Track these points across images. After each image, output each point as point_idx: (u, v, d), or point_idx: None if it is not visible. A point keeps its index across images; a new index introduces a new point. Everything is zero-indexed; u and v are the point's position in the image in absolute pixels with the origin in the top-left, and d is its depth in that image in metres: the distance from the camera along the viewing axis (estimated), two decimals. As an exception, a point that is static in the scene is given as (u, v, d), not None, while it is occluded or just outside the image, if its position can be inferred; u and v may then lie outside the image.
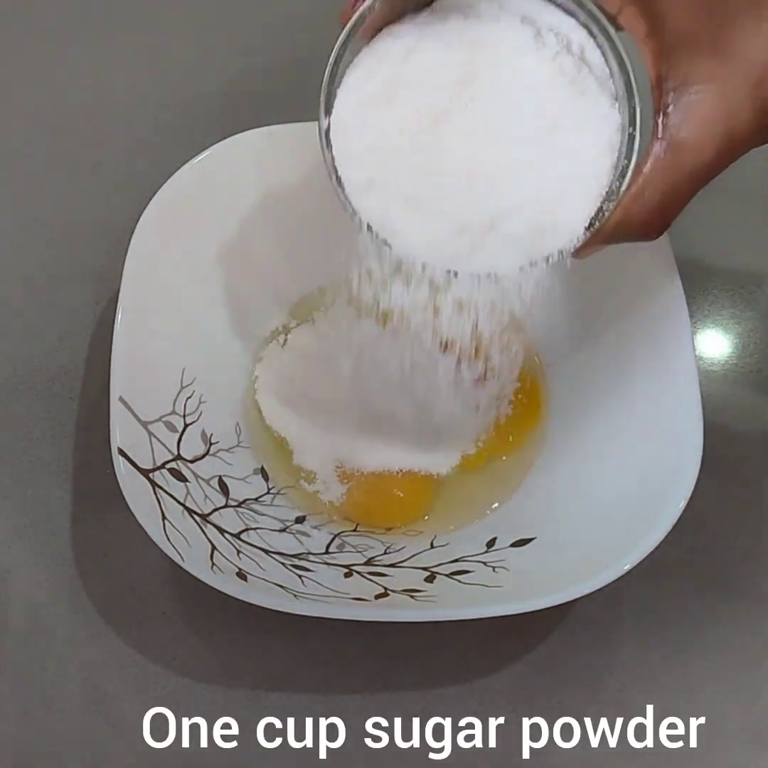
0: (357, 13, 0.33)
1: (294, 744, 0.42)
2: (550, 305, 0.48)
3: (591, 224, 0.34)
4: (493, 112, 0.33)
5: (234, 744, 0.42)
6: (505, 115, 0.34)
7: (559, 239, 0.34)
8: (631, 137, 0.33)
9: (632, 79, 0.33)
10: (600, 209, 0.34)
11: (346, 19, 0.33)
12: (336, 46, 0.33)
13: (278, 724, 0.42)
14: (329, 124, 0.34)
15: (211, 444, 0.44)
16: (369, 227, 0.35)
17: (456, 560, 0.42)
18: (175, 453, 0.42)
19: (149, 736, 0.42)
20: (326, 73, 0.34)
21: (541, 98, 0.33)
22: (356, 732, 0.42)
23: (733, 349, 0.51)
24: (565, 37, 0.34)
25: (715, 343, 0.51)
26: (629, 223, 0.33)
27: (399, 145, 0.34)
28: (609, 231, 0.34)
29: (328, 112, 0.34)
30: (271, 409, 0.47)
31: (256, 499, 0.44)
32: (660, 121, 0.32)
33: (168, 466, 0.41)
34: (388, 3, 0.33)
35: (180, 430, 0.43)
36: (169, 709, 0.42)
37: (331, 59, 0.33)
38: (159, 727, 0.42)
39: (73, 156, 0.56)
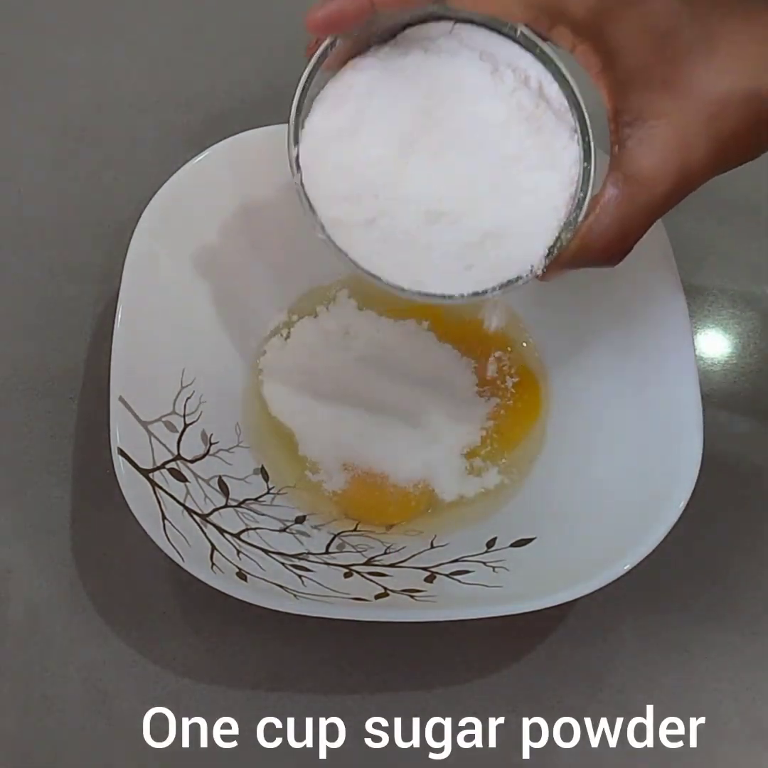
0: (320, 49, 0.34)
1: (294, 744, 0.42)
2: (550, 306, 0.48)
3: (549, 252, 0.35)
4: (453, 150, 0.34)
5: (234, 744, 0.42)
6: (465, 152, 0.34)
7: (518, 267, 0.35)
8: (587, 170, 0.34)
9: (586, 117, 0.34)
10: (558, 238, 0.35)
11: (311, 52, 0.34)
12: (302, 80, 0.35)
13: (278, 724, 0.42)
14: (298, 153, 0.35)
15: (211, 444, 0.44)
16: (334, 246, 0.36)
17: (456, 560, 0.42)
18: (175, 453, 0.42)
19: (149, 736, 0.42)
20: (293, 106, 0.35)
21: (499, 134, 0.34)
22: (356, 732, 0.42)
23: (733, 349, 0.51)
24: (523, 73, 0.35)
25: (715, 343, 0.51)
26: (588, 251, 0.34)
27: (365, 177, 0.35)
28: (568, 258, 0.35)
29: (297, 142, 0.35)
30: (276, 401, 0.47)
31: (256, 499, 0.44)
32: (616, 154, 0.33)
33: (168, 466, 0.41)
34: (351, 38, 0.34)
35: (180, 430, 0.43)
36: (169, 709, 0.42)
37: (297, 92, 0.35)
38: (159, 727, 0.42)
39: (73, 156, 0.56)
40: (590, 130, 0.34)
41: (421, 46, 0.35)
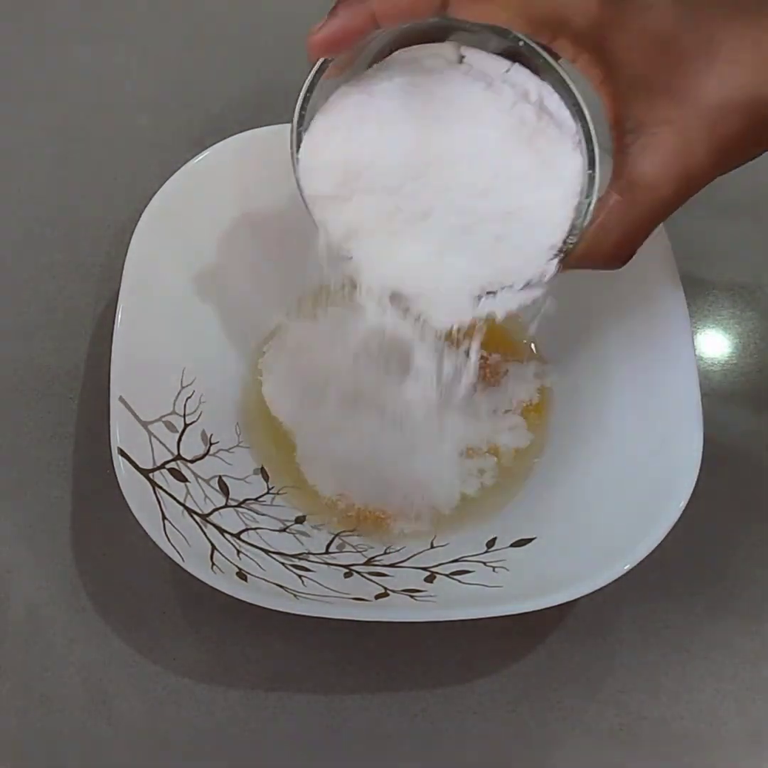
0: (318, 62, 0.34)
1: (294, 744, 0.42)
2: (550, 306, 0.48)
3: (555, 256, 0.35)
4: (457, 169, 0.35)
5: (234, 743, 0.42)
6: (470, 169, 0.35)
7: (524, 271, 0.36)
8: (591, 178, 0.35)
9: (590, 125, 0.34)
10: (565, 243, 0.35)
11: (313, 59, 0.34)
12: (302, 91, 0.35)
13: (278, 724, 0.42)
14: (300, 164, 0.36)
15: (211, 444, 0.44)
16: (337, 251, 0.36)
17: (456, 560, 0.42)
18: (175, 453, 0.42)
19: (149, 736, 0.42)
20: (295, 117, 0.35)
21: (499, 153, 0.35)
22: (356, 732, 0.42)
23: (733, 349, 0.51)
24: (521, 87, 0.35)
25: (715, 343, 0.51)
26: (592, 254, 0.35)
27: (370, 189, 0.35)
28: (573, 262, 0.35)
29: (298, 151, 0.36)
30: (276, 401, 0.47)
31: (256, 499, 0.44)
32: (619, 160, 0.33)
33: (168, 466, 0.41)
34: (350, 53, 0.34)
35: (180, 430, 0.43)
36: (169, 709, 0.42)
37: (298, 103, 0.35)
38: (159, 727, 0.42)
39: (73, 156, 0.56)
40: (595, 138, 0.34)
41: (411, 67, 0.35)
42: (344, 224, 0.36)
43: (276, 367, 0.48)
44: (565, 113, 0.35)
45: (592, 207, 0.34)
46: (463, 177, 0.35)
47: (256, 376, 0.48)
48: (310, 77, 0.35)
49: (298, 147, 0.36)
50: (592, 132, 0.34)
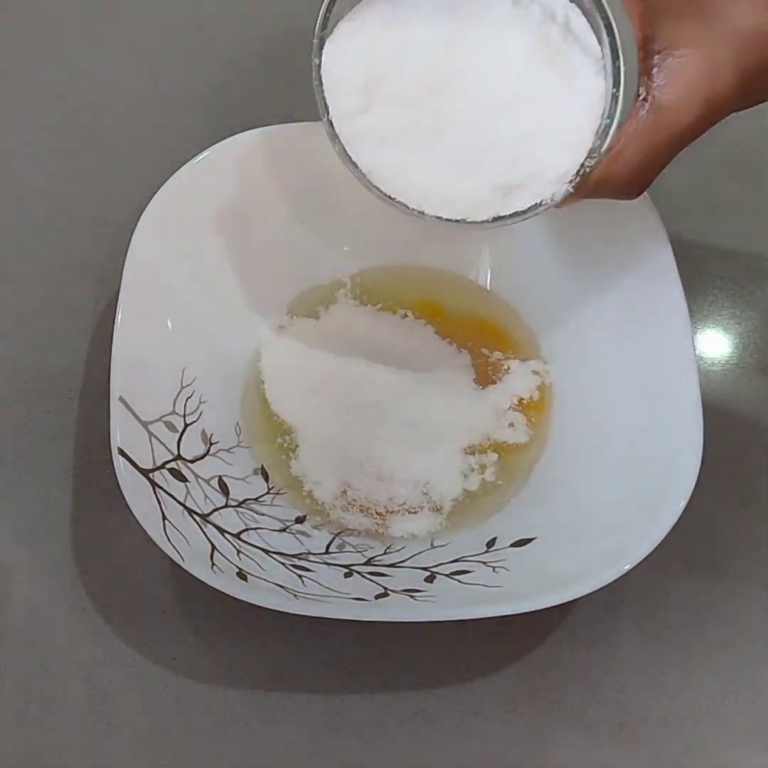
0: None
1: (294, 744, 0.42)
2: (550, 305, 0.48)
3: (572, 179, 0.35)
4: (479, 84, 0.35)
5: (233, 744, 0.42)
6: (492, 85, 0.35)
7: (541, 191, 0.36)
8: (615, 98, 0.34)
9: (618, 41, 0.34)
10: (582, 165, 0.35)
11: None
12: None
13: (278, 724, 0.42)
14: (321, 65, 0.35)
15: (211, 444, 0.44)
16: (360, 172, 0.37)
17: (456, 560, 0.42)
18: (175, 453, 0.42)
19: (149, 736, 0.42)
20: (319, 19, 0.35)
21: (523, 71, 0.35)
22: (356, 731, 0.42)
23: (733, 349, 0.51)
24: (549, 7, 0.35)
25: (715, 343, 0.51)
26: (609, 180, 0.34)
27: (390, 101, 0.35)
28: (590, 187, 0.35)
29: (320, 54, 0.35)
30: (276, 401, 0.47)
31: (256, 499, 0.44)
32: (644, 82, 0.33)
33: (168, 466, 0.41)
34: None
35: (180, 430, 0.43)
36: (169, 709, 0.42)
37: (324, 6, 0.34)
38: (159, 727, 0.42)
39: (73, 156, 0.56)
40: (622, 57, 0.34)
41: None
42: (360, 133, 0.36)
43: (276, 367, 0.48)
44: (590, 38, 0.35)
45: (613, 129, 0.34)
46: (483, 94, 0.35)
47: (257, 376, 0.48)
48: None
49: (321, 51, 0.35)
50: (620, 49, 0.34)
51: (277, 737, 0.42)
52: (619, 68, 0.34)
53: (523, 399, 0.48)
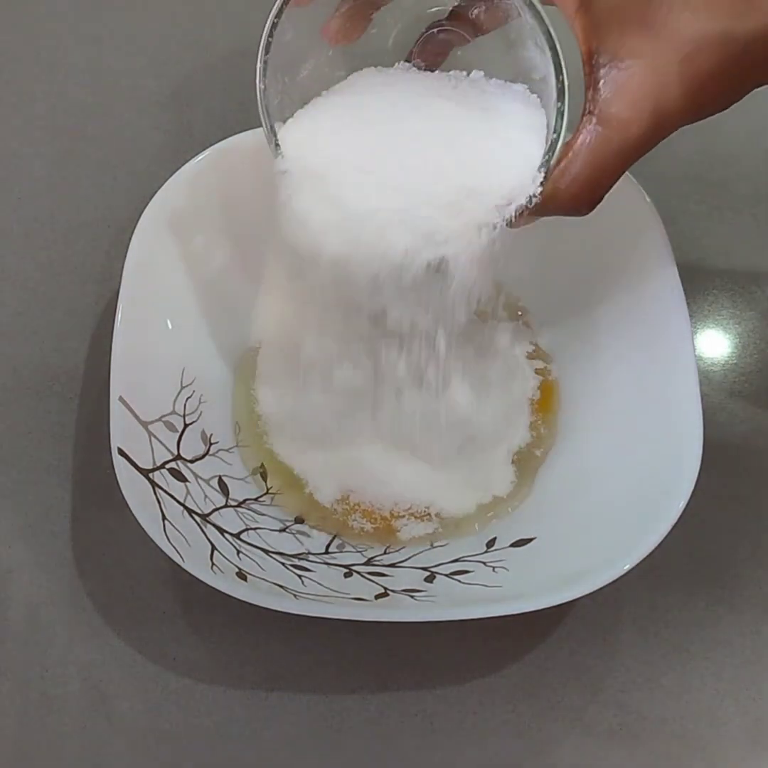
0: None
1: (294, 744, 0.42)
2: (550, 307, 0.48)
3: (529, 198, 0.34)
4: (423, 118, 0.36)
5: (234, 744, 0.42)
6: (437, 117, 0.36)
7: (489, 213, 0.35)
8: (560, 112, 0.34)
9: (560, 56, 0.33)
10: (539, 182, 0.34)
11: None
12: (271, 16, 0.35)
13: (278, 724, 0.42)
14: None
15: (211, 444, 0.44)
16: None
17: (456, 560, 0.42)
18: (175, 453, 0.42)
19: (149, 736, 0.42)
20: (262, 42, 0.35)
21: (465, 98, 0.36)
22: (356, 732, 0.42)
23: (733, 349, 0.51)
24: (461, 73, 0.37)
25: (715, 343, 0.51)
26: (558, 197, 0.33)
27: (342, 142, 0.36)
28: (540, 206, 0.34)
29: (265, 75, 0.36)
30: (270, 401, 0.47)
31: (255, 499, 0.44)
32: (590, 96, 0.32)
33: (168, 466, 0.41)
34: None
35: (180, 430, 0.43)
36: (169, 709, 0.42)
37: (266, 30, 0.35)
38: (159, 727, 0.42)
39: (73, 156, 0.56)
40: (565, 72, 0.33)
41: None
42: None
43: (275, 366, 0.48)
44: (516, 87, 0.36)
45: (560, 144, 0.33)
46: (415, 164, 0.35)
47: (257, 375, 0.48)
48: (278, 3, 0.35)
49: (265, 74, 0.36)
50: (562, 64, 0.33)
51: (277, 737, 0.42)
52: (562, 83, 0.33)
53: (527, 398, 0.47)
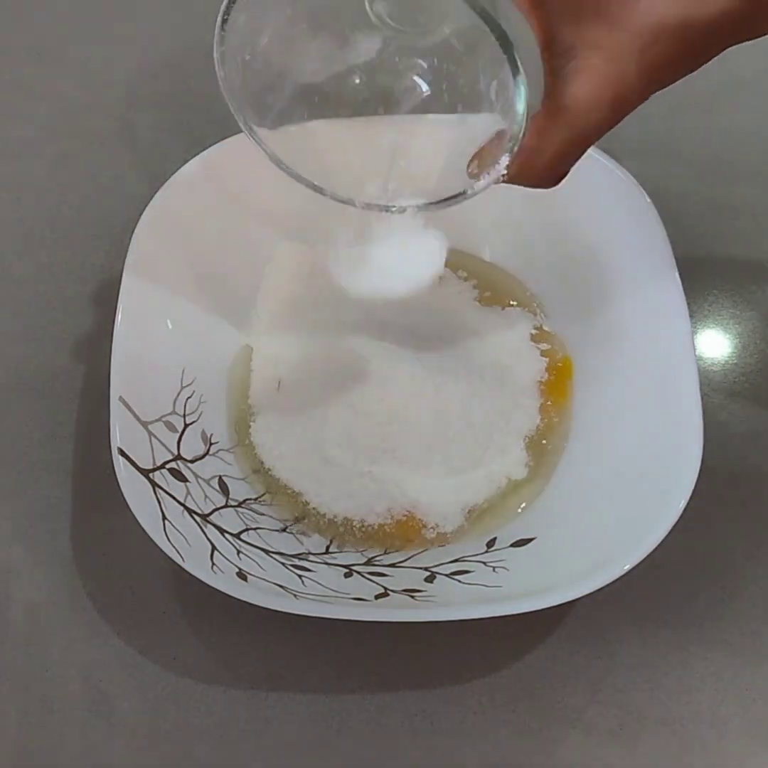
0: None
1: (294, 744, 0.42)
2: (549, 310, 0.48)
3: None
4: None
5: (234, 744, 0.42)
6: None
7: (462, 183, 0.36)
8: (521, 92, 0.33)
9: (510, 36, 0.32)
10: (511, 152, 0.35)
11: None
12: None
13: (278, 724, 0.42)
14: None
15: (211, 444, 0.44)
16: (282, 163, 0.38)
17: (456, 560, 0.42)
18: (175, 453, 0.42)
19: (149, 736, 0.42)
20: (219, 18, 0.34)
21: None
22: (356, 732, 0.42)
23: (733, 349, 0.51)
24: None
25: (715, 343, 0.51)
26: (526, 174, 0.34)
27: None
28: (508, 179, 0.35)
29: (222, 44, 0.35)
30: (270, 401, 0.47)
31: (255, 499, 0.44)
32: (550, 83, 0.33)
33: (168, 466, 0.41)
34: None
35: (180, 430, 0.43)
36: (169, 709, 0.42)
37: (223, 6, 0.34)
38: (159, 727, 0.42)
39: (73, 156, 0.56)
40: (516, 48, 0.32)
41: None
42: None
43: (274, 366, 0.48)
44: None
45: (525, 123, 0.33)
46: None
47: (245, 386, 0.48)
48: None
49: (223, 63, 0.36)
50: (514, 44, 0.32)
51: (277, 737, 0.42)
52: (512, 54, 0.32)
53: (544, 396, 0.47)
